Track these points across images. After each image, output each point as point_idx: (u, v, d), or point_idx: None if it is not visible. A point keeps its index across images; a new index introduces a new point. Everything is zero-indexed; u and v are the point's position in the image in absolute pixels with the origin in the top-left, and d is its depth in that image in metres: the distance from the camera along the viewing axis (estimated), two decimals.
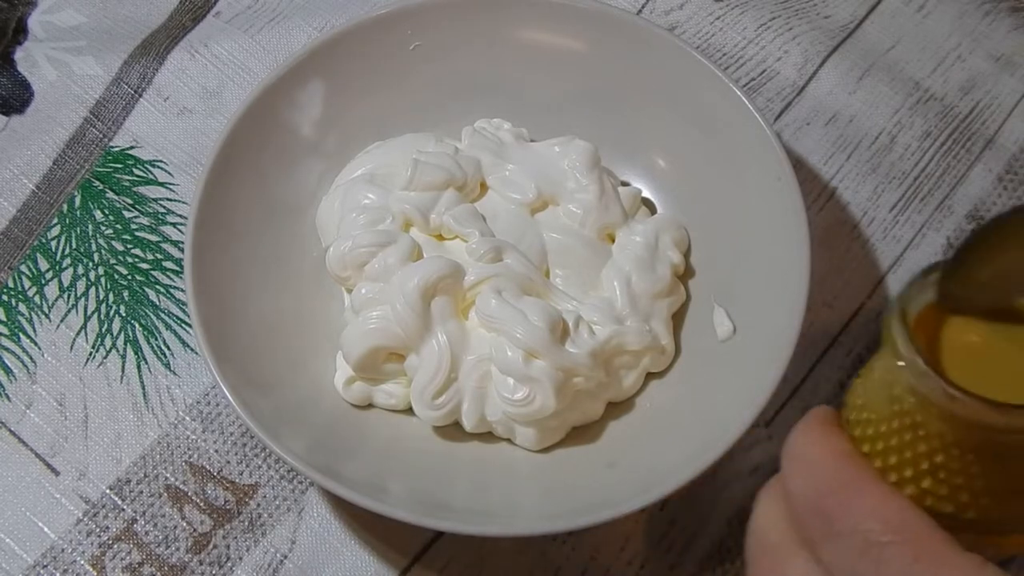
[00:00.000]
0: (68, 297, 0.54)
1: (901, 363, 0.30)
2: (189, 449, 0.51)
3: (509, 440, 0.48)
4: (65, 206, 0.55)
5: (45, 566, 0.49)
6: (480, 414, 0.47)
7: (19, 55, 0.58)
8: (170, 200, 0.56)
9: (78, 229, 0.55)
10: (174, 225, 0.55)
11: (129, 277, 0.54)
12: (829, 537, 0.30)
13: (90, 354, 0.53)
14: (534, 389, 0.45)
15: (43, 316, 0.53)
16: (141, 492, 0.50)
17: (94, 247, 0.55)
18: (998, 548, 0.32)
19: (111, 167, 0.56)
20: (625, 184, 0.52)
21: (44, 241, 0.55)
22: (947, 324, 0.32)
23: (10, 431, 0.51)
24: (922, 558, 0.28)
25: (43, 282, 0.54)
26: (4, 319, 0.53)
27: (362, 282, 0.48)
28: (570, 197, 0.50)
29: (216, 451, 0.51)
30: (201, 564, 0.49)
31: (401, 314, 0.46)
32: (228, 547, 0.49)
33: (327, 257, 0.49)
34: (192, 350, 0.52)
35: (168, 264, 0.54)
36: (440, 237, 0.50)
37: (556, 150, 0.51)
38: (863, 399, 0.32)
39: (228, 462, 0.50)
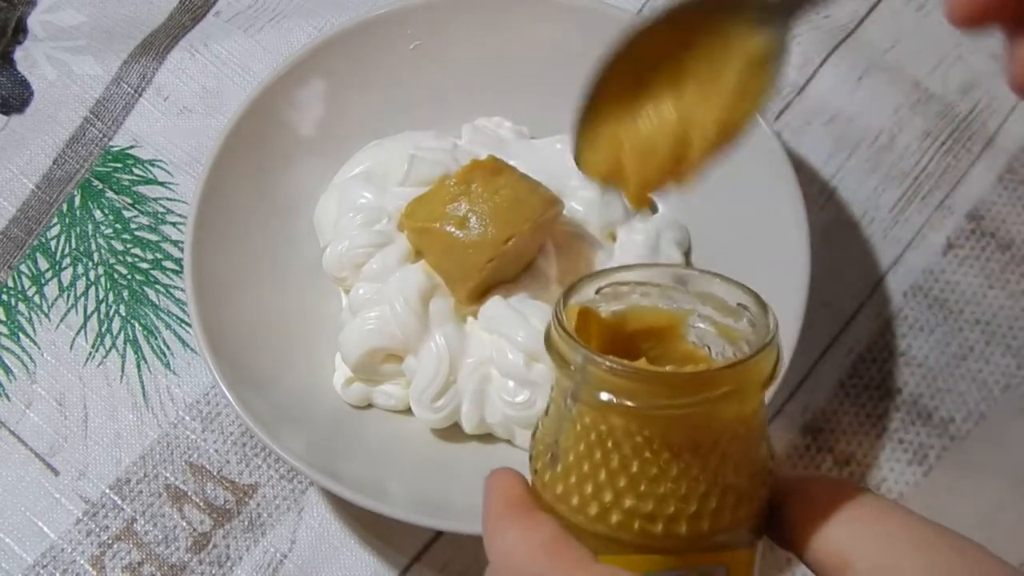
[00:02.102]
0: (68, 297, 0.54)
1: (572, 367, 0.28)
2: (189, 449, 0.51)
3: (509, 441, 0.48)
4: (65, 206, 0.55)
5: (45, 566, 0.49)
6: (480, 416, 0.47)
7: (19, 55, 0.58)
8: (170, 200, 0.55)
9: (78, 229, 0.55)
10: (174, 224, 0.55)
11: (129, 277, 0.54)
12: None
13: (90, 354, 0.52)
14: (535, 392, 0.45)
15: (43, 316, 0.53)
16: (141, 492, 0.50)
17: (94, 247, 0.55)
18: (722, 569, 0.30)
19: (111, 167, 0.56)
20: None
21: (44, 241, 0.55)
22: (595, 329, 0.31)
23: (10, 431, 0.51)
24: None
25: (43, 282, 0.54)
26: (4, 319, 0.53)
27: (359, 283, 0.48)
28: (572, 194, 0.50)
29: (216, 451, 0.50)
30: (201, 564, 0.49)
31: (400, 315, 0.46)
32: (228, 547, 0.49)
33: (324, 258, 0.49)
34: (192, 350, 0.52)
35: (168, 264, 0.54)
36: None
37: (558, 147, 0.51)
38: (545, 437, 0.31)
39: (228, 462, 0.50)
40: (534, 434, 0.31)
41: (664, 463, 0.28)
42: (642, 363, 0.28)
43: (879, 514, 0.28)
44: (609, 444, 0.28)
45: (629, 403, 0.28)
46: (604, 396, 0.28)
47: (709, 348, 0.32)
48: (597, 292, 0.31)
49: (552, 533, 0.29)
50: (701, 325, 0.32)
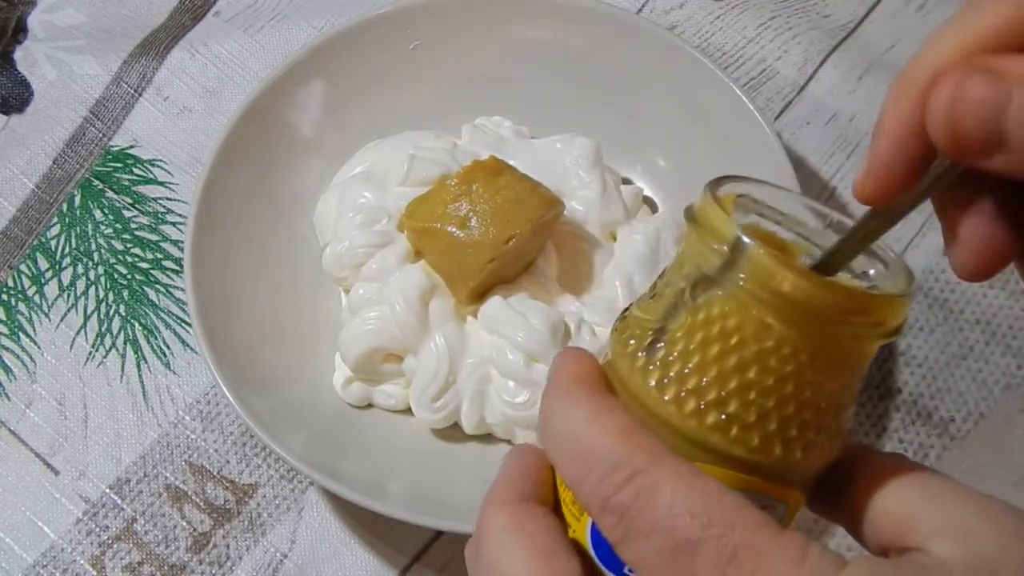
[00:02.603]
0: (68, 296, 0.54)
1: (716, 244, 0.26)
2: (189, 449, 0.51)
3: (509, 441, 0.48)
4: (65, 205, 0.55)
5: (45, 566, 0.49)
6: (479, 416, 0.47)
7: (19, 55, 0.58)
8: (170, 199, 0.55)
9: (78, 228, 0.55)
10: (174, 224, 0.55)
11: (129, 276, 0.54)
12: (627, 538, 0.26)
13: (90, 353, 0.52)
14: (535, 393, 0.45)
15: (43, 315, 0.53)
16: (141, 492, 0.50)
17: (94, 246, 0.55)
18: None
19: (111, 166, 0.56)
20: (627, 182, 0.52)
21: (44, 240, 0.55)
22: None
23: (10, 431, 0.51)
24: (739, 553, 0.24)
25: (43, 281, 0.54)
26: (4, 318, 0.53)
27: (359, 282, 0.48)
28: (572, 194, 0.50)
29: (216, 451, 0.51)
30: (201, 564, 0.49)
31: (399, 315, 0.46)
32: (228, 547, 0.49)
33: (324, 257, 0.49)
34: (192, 349, 0.52)
35: (168, 263, 0.54)
36: None
37: (558, 147, 0.51)
38: (645, 320, 0.28)
39: (228, 462, 0.50)
40: (624, 314, 0.29)
41: (783, 377, 0.27)
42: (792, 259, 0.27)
43: (941, 487, 0.27)
44: (733, 341, 0.27)
45: (766, 291, 0.26)
46: (759, 288, 0.26)
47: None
48: (753, 203, 0.29)
49: (628, 419, 0.27)
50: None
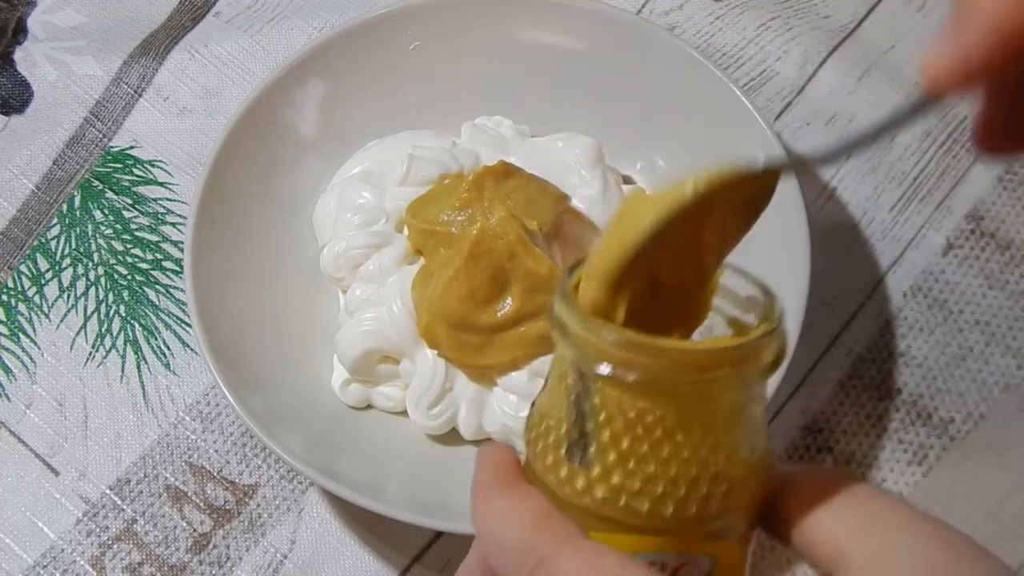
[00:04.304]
0: (68, 297, 0.54)
1: (576, 339, 0.28)
2: (189, 449, 0.51)
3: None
4: (65, 206, 0.55)
5: (45, 566, 0.49)
6: (478, 424, 0.47)
7: (19, 55, 0.58)
8: (170, 200, 0.55)
9: (78, 229, 0.55)
10: (174, 225, 0.55)
11: (129, 277, 0.54)
12: None
13: (90, 354, 0.52)
14: None
15: (43, 316, 0.53)
16: (141, 492, 0.50)
17: (94, 247, 0.55)
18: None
19: (111, 167, 0.56)
20: (628, 181, 0.52)
21: (44, 241, 0.55)
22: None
23: (10, 431, 0.51)
24: None
25: (43, 282, 0.54)
26: (4, 319, 0.53)
27: (356, 283, 0.48)
28: (573, 192, 0.50)
29: (216, 451, 0.51)
30: (201, 564, 0.49)
31: (396, 316, 0.46)
32: (228, 547, 0.49)
33: (321, 258, 0.49)
34: (192, 350, 0.52)
35: (168, 264, 0.54)
36: None
37: (559, 145, 0.51)
38: (540, 408, 0.30)
39: (228, 462, 0.50)
40: (532, 406, 0.31)
41: (656, 442, 0.28)
42: (654, 337, 0.28)
43: (874, 505, 0.28)
44: (602, 418, 0.28)
45: (625, 375, 0.27)
46: (601, 368, 0.27)
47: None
48: None
49: (540, 506, 0.29)
50: (711, 316, 0.31)
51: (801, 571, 0.49)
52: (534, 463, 0.30)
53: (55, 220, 0.55)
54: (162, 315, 0.53)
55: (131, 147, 0.56)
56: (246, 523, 0.49)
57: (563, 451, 0.29)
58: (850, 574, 0.27)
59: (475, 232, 0.45)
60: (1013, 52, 0.23)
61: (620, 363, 0.27)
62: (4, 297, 0.54)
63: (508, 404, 0.46)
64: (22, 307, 0.54)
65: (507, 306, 0.45)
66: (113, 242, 0.55)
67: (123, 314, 0.53)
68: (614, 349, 0.27)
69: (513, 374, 0.46)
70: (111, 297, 0.54)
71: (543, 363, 0.45)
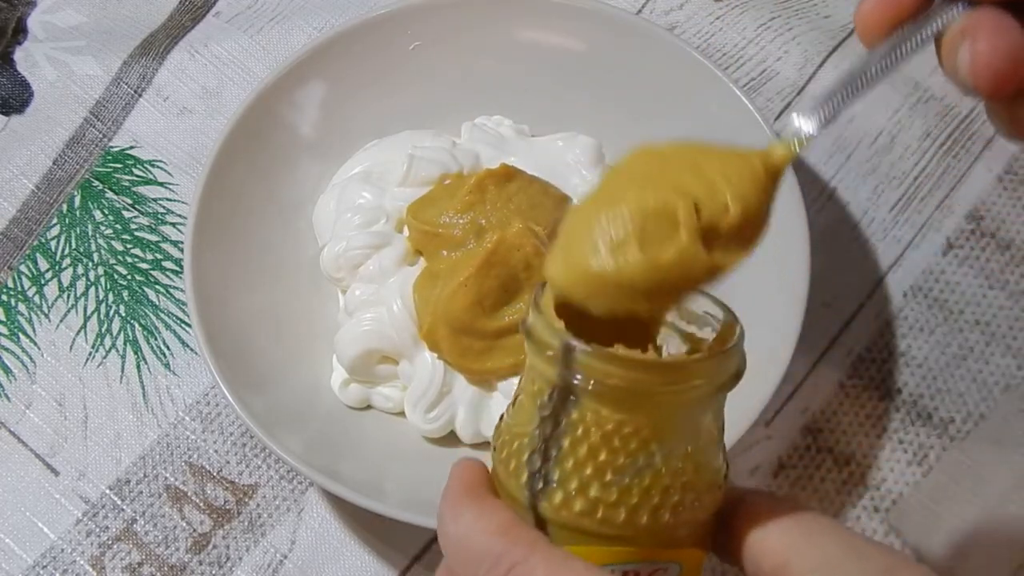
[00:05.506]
0: (68, 297, 0.54)
1: (549, 352, 0.29)
2: (189, 449, 0.51)
3: None
4: (65, 206, 0.55)
5: (45, 566, 0.49)
6: (476, 428, 0.47)
7: (19, 55, 0.58)
8: (170, 200, 0.55)
9: (78, 229, 0.55)
10: (174, 225, 0.55)
11: (129, 277, 0.54)
12: None
13: (90, 354, 0.52)
14: None
15: (43, 316, 0.53)
16: (141, 492, 0.50)
17: (94, 247, 0.55)
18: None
19: (111, 167, 0.56)
20: None
21: (44, 241, 0.55)
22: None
23: (10, 431, 0.51)
24: None
25: (43, 282, 0.54)
26: (4, 319, 0.53)
27: (356, 283, 0.48)
28: (573, 191, 0.50)
29: (216, 451, 0.50)
30: (201, 564, 0.49)
31: (396, 316, 0.46)
32: (228, 547, 0.49)
33: (321, 258, 0.49)
34: (192, 350, 0.52)
35: (168, 264, 0.54)
36: None
37: (559, 144, 0.51)
38: (510, 423, 0.31)
39: (228, 462, 0.50)
40: (498, 425, 0.32)
41: (631, 454, 0.29)
42: (618, 348, 0.29)
43: (817, 526, 0.29)
44: (579, 432, 0.29)
45: (599, 385, 0.28)
46: (576, 378, 0.28)
47: (666, 351, 0.33)
48: None
49: (508, 517, 0.29)
50: (664, 331, 0.32)
51: None
52: (505, 480, 0.31)
53: (55, 220, 0.55)
54: (162, 315, 0.53)
55: (131, 147, 0.56)
56: (246, 523, 0.49)
57: (537, 466, 0.30)
58: None
59: (491, 243, 0.45)
60: None
61: (594, 375, 0.28)
62: (4, 297, 0.54)
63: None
64: (22, 307, 0.54)
65: (515, 311, 0.45)
66: (113, 242, 0.55)
67: (123, 314, 0.53)
68: (588, 361, 0.28)
69: (513, 380, 0.46)
70: (111, 297, 0.54)
71: None
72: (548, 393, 0.29)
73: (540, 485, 0.29)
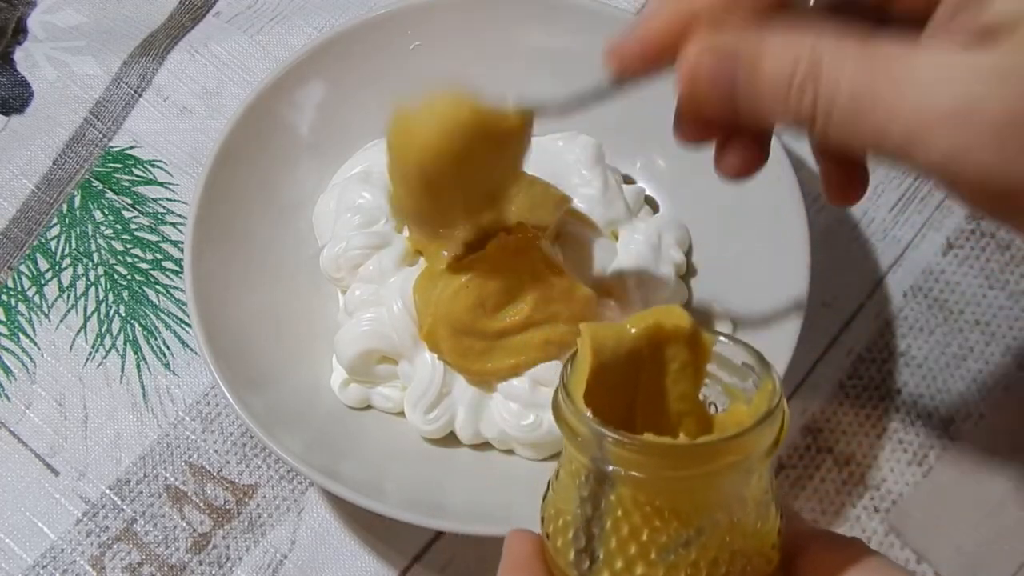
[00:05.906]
0: (68, 297, 0.54)
1: (579, 439, 0.28)
2: (189, 449, 0.51)
3: (510, 451, 0.48)
4: (65, 206, 0.55)
5: (45, 566, 0.49)
6: (475, 429, 0.47)
7: (19, 55, 0.58)
8: (170, 200, 0.55)
9: (78, 229, 0.55)
10: (174, 225, 0.55)
11: (129, 277, 0.54)
12: None
13: (90, 354, 0.52)
14: (541, 414, 0.45)
15: (43, 316, 0.53)
16: (141, 492, 0.50)
17: (94, 247, 0.55)
18: None
19: (111, 167, 0.56)
20: (629, 181, 0.52)
21: (44, 241, 0.55)
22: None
23: (10, 431, 0.51)
24: None
25: (43, 282, 0.54)
26: (4, 319, 0.53)
27: (356, 284, 0.48)
28: (574, 191, 0.50)
29: (216, 451, 0.50)
30: (201, 564, 0.49)
31: (396, 316, 0.46)
32: (228, 547, 0.49)
33: (321, 258, 0.49)
34: (192, 350, 0.52)
35: (168, 264, 0.54)
36: None
37: (560, 144, 0.51)
38: (556, 502, 0.31)
39: (228, 462, 0.50)
40: (544, 496, 0.32)
41: (673, 531, 0.28)
42: (648, 436, 0.28)
43: (881, 573, 0.29)
44: (619, 513, 0.29)
45: (634, 473, 0.28)
46: (609, 467, 0.28)
47: (715, 405, 0.32)
48: None
49: None
50: (707, 383, 0.32)
51: None
52: (555, 555, 0.30)
53: (55, 220, 0.55)
54: (162, 315, 0.53)
55: (131, 147, 0.56)
56: (246, 523, 0.49)
57: (583, 544, 0.29)
58: None
59: (495, 247, 0.45)
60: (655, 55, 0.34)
61: (626, 463, 0.28)
62: (4, 297, 0.54)
63: (508, 412, 0.46)
64: (22, 307, 0.54)
65: (516, 312, 0.45)
66: (113, 242, 0.55)
67: (123, 314, 0.53)
68: (618, 450, 0.28)
69: (514, 381, 0.46)
70: (111, 297, 0.54)
71: (544, 370, 0.45)
72: (584, 475, 0.29)
73: (587, 564, 0.29)
